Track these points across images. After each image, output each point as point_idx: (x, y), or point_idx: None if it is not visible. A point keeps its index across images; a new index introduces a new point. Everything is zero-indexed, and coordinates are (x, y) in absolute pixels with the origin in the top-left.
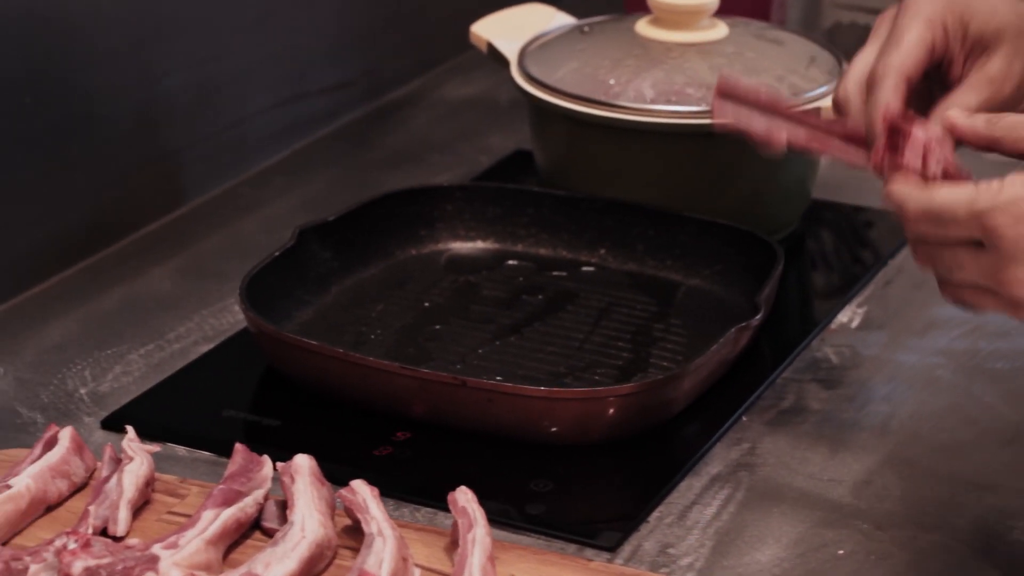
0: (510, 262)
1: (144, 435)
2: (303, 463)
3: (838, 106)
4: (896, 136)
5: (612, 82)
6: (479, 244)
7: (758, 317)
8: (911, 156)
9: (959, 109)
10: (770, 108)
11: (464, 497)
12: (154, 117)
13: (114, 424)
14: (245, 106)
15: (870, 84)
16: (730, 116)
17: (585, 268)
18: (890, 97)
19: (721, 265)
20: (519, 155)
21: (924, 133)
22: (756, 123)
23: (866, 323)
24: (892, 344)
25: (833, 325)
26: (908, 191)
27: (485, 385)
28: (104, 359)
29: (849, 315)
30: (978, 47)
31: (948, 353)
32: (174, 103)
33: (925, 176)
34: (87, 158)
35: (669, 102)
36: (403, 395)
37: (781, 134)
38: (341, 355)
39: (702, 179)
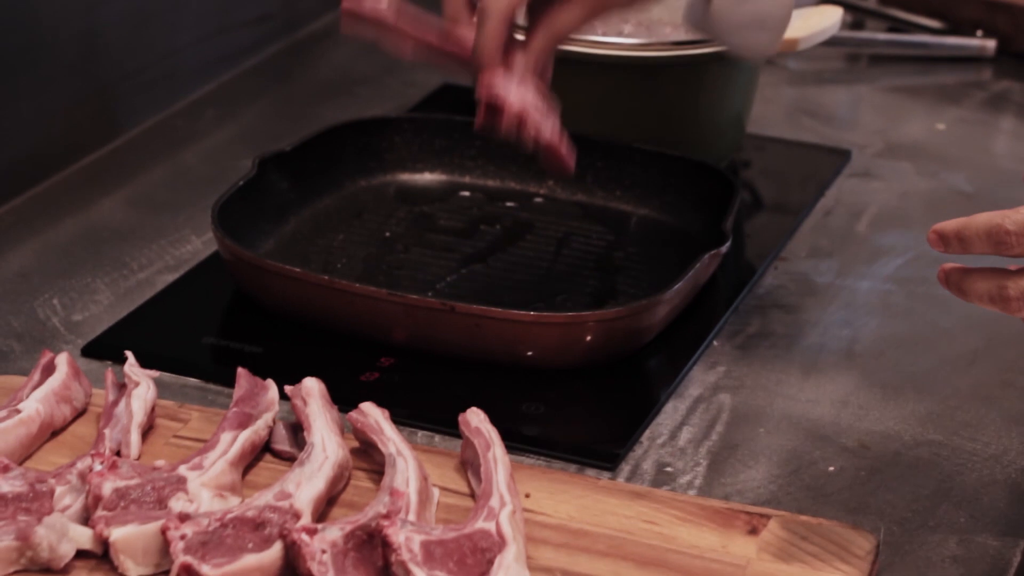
0: (462, 193)
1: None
2: (313, 386)
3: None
4: (493, 107)
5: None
6: (427, 175)
7: (727, 244)
8: (508, 126)
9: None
10: (392, 26)
11: (476, 418)
12: (91, 48)
13: (95, 351)
14: (175, 39)
15: (477, 14)
16: (358, 31)
17: (536, 199)
18: (493, 33)
19: (671, 195)
20: (447, 88)
21: (519, 101)
22: (383, 35)
23: (814, 251)
24: (843, 271)
25: (783, 254)
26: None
27: (473, 310)
28: (70, 288)
29: (796, 244)
30: None
31: (898, 280)
32: (112, 33)
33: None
34: (30, 88)
35: (608, 34)
36: (386, 321)
37: (406, 49)
38: (326, 282)
39: (640, 112)
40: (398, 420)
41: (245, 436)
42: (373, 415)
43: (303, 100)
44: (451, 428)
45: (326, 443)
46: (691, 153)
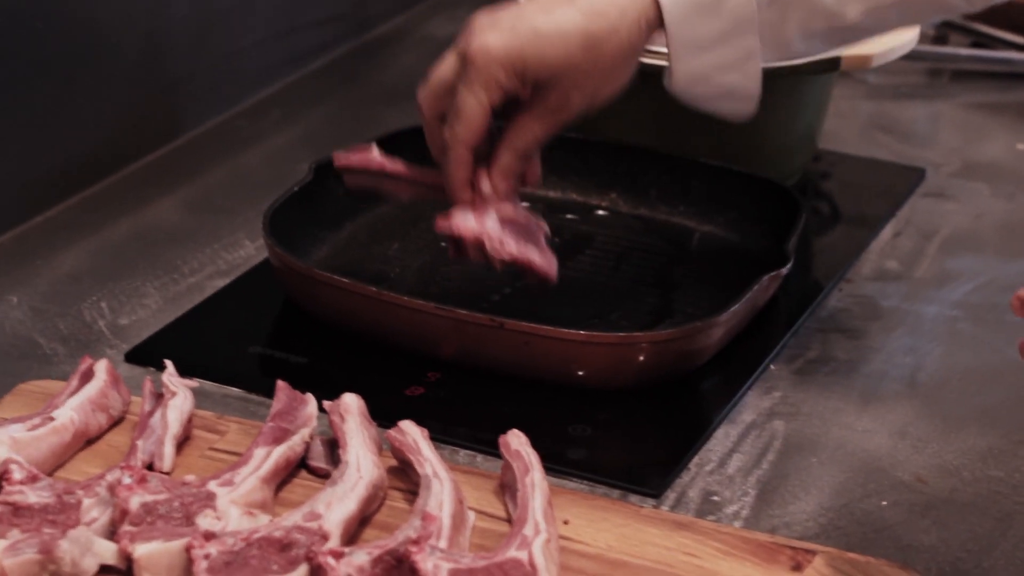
0: (522, 204)
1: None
2: (352, 402)
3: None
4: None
5: None
6: None
7: (788, 265)
8: (473, 255)
9: None
10: (383, 173)
11: (517, 440)
12: (155, 48)
13: (139, 358)
14: (240, 39)
15: (443, 149)
16: (359, 183)
17: (597, 212)
18: (457, 170)
19: (735, 212)
20: None
21: (472, 231)
22: (381, 185)
23: (881, 273)
24: (910, 295)
25: (849, 275)
26: None
27: (523, 327)
28: (119, 291)
29: (864, 265)
30: (539, 87)
31: (966, 306)
32: (176, 33)
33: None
34: (90, 89)
35: None
36: (435, 335)
37: (404, 194)
38: (374, 294)
39: (706, 125)
40: (440, 438)
41: (279, 452)
42: (411, 434)
43: (370, 103)
44: (494, 448)
45: (361, 462)
46: (759, 169)
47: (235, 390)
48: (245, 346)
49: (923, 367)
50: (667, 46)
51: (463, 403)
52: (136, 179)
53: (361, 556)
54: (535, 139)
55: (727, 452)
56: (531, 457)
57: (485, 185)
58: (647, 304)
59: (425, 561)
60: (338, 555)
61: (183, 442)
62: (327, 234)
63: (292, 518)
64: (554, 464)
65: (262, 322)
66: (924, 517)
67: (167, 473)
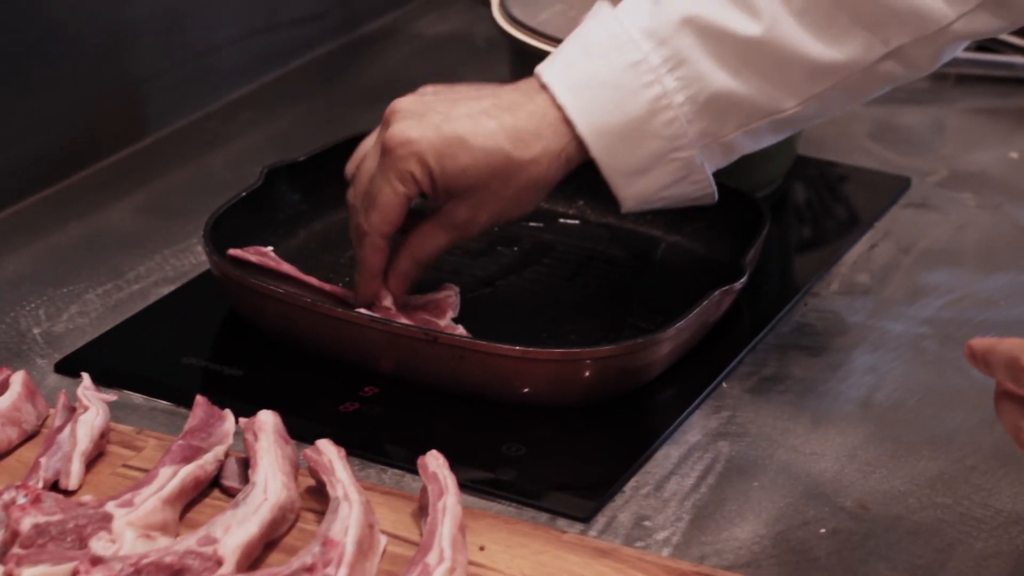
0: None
1: (99, 381)
2: (267, 420)
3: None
4: None
5: None
6: None
7: (742, 280)
8: None
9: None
10: (274, 273)
11: (435, 462)
12: (119, 44)
13: (68, 368)
14: (213, 35)
15: (359, 234)
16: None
17: (563, 220)
18: (371, 257)
19: (703, 222)
20: None
21: None
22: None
23: (850, 287)
24: (877, 311)
25: (816, 289)
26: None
27: (457, 342)
28: (59, 298)
29: (833, 279)
30: (451, 194)
31: (935, 322)
32: (140, 30)
33: None
34: (48, 85)
35: None
36: (371, 348)
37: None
38: (308, 305)
39: None
40: (369, 457)
41: (187, 472)
42: (327, 454)
43: (348, 104)
44: None
45: (269, 483)
46: (733, 177)
47: (163, 403)
48: (179, 357)
49: (881, 387)
50: (604, 176)
51: (397, 420)
52: (93, 182)
53: None
54: (437, 249)
55: (666, 475)
56: (447, 480)
57: (386, 300)
58: (601, 318)
59: None
60: None
61: (96, 459)
62: (278, 240)
63: (186, 542)
64: (482, 486)
65: (202, 332)
66: (861, 547)
67: (72, 492)
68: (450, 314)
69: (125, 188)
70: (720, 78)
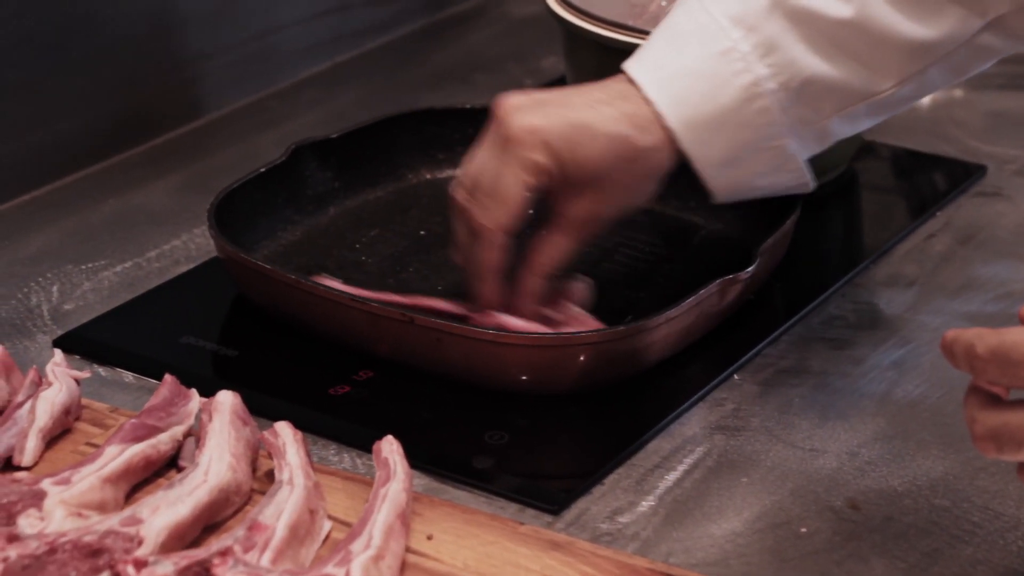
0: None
1: (93, 358)
2: (225, 400)
3: (452, 204)
4: None
5: (647, 8)
6: None
7: (749, 270)
8: None
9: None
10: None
11: (389, 447)
12: (177, 19)
13: (66, 344)
14: (279, 13)
15: (475, 230)
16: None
17: None
18: (491, 255)
19: (745, 210)
20: (564, 81)
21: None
22: None
23: (895, 279)
24: (918, 304)
25: (860, 279)
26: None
27: (433, 324)
28: (76, 274)
29: (881, 269)
30: (573, 187)
31: (977, 318)
32: (199, 5)
33: None
34: (100, 59)
35: None
36: (361, 330)
37: None
38: (292, 281)
39: None
40: (352, 441)
41: (136, 450)
42: (283, 436)
43: (416, 85)
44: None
45: (212, 464)
46: None
47: (153, 382)
48: (179, 337)
49: (902, 383)
50: (694, 167)
51: (384, 405)
52: (139, 160)
53: (166, 567)
54: (560, 256)
55: (651, 468)
56: (397, 467)
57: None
58: (612, 306)
59: (224, 574)
60: (140, 564)
61: (61, 435)
62: (303, 218)
63: (109, 522)
64: (457, 474)
65: (209, 312)
66: (841, 548)
67: (27, 468)
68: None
69: (169, 167)
70: (813, 63)
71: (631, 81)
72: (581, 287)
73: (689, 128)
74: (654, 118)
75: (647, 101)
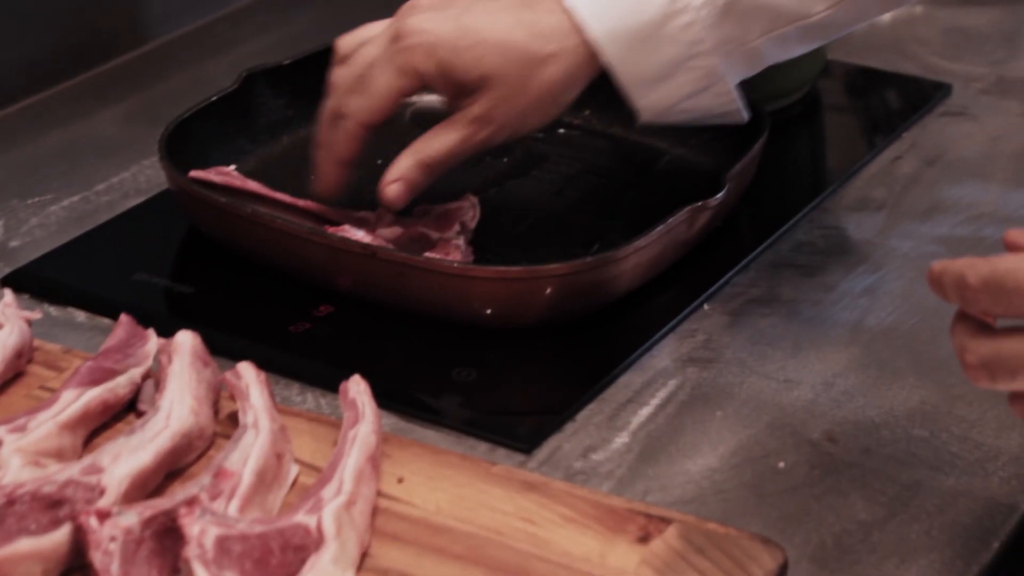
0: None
1: (43, 297)
2: (184, 341)
3: (336, 53)
4: None
5: None
6: None
7: (718, 196)
8: None
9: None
10: (243, 193)
11: (356, 388)
12: None
13: (14, 282)
14: None
15: (334, 115)
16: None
17: (560, 131)
18: (343, 143)
19: (710, 134)
20: None
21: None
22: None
23: (863, 202)
24: (887, 228)
25: (827, 204)
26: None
27: (396, 257)
28: (22, 209)
29: (848, 193)
30: (464, 90)
31: (948, 241)
32: None
33: None
34: None
35: None
36: (321, 264)
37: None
38: (248, 215)
39: None
40: (312, 380)
41: (93, 395)
42: (246, 378)
43: (372, 7)
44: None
45: (173, 409)
46: (762, 84)
47: (106, 321)
48: (131, 273)
49: (874, 310)
50: (619, 84)
51: (347, 342)
52: (84, 89)
53: (130, 517)
54: (446, 150)
55: (623, 403)
56: (366, 407)
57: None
58: (576, 235)
59: (191, 525)
60: (103, 515)
61: (13, 379)
62: (255, 147)
63: (69, 471)
64: (425, 413)
65: (162, 247)
66: (820, 482)
67: None
68: (456, 228)
69: (116, 96)
70: None
71: None
72: (464, 206)
73: (612, 40)
74: (566, 28)
75: (566, 11)
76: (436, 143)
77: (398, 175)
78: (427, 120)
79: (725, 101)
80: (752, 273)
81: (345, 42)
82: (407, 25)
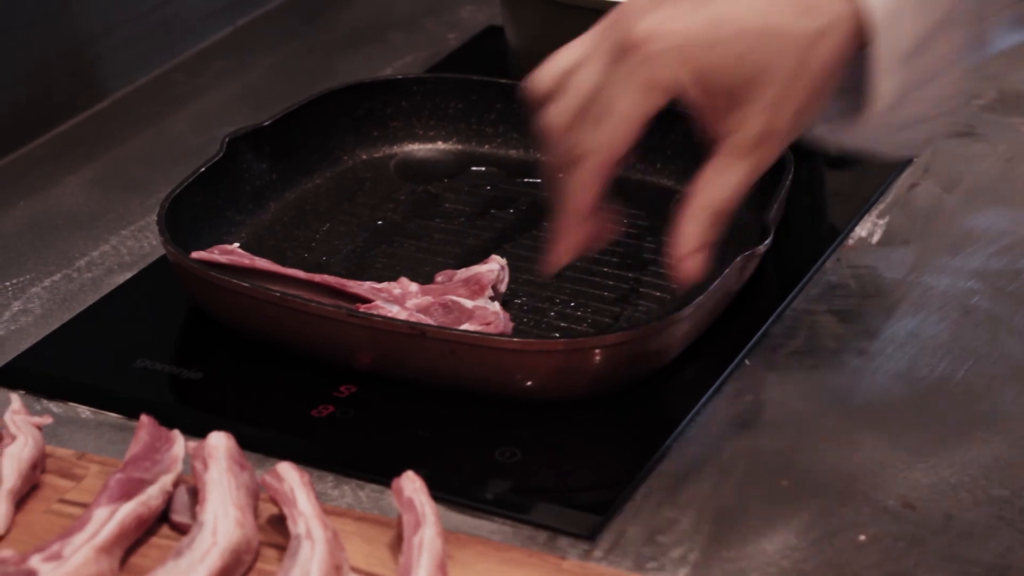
0: (474, 168)
1: (40, 392)
2: (218, 444)
3: (529, 98)
4: None
5: None
6: (440, 146)
7: (767, 242)
8: None
9: None
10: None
11: (411, 486)
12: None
13: (7, 379)
14: None
15: (567, 161)
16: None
17: None
18: (590, 185)
19: None
20: (492, 32)
21: None
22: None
23: (888, 237)
24: (919, 263)
25: (851, 240)
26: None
27: (448, 335)
28: (1, 293)
29: (869, 227)
30: (727, 100)
31: (985, 275)
32: None
33: None
34: None
35: None
36: (348, 344)
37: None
38: (277, 300)
39: None
40: (345, 470)
41: (127, 511)
42: (289, 481)
43: (327, 49)
44: None
45: (219, 523)
46: None
47: (113, 416)
48: (132, 360)
49: (923, 357)
50: (874, 60)
51: (376, 424)
52: (41, 154)
53: None
54: (735, 190)
55: (681, 476)
56: (425, 508)
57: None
58: (609, 289)
59: None
60: None
61: (29, 492)
62: (245, 218)
63: None
64: (472, 501)
65: (160, 328)
66: (908, 555)
67: (0, 538)
68: (488, 294)
69: (77, 160)
70: None
71: None
72: (495, 270)
73: (883, 2)
74: None
75: None
76: (721, 187)
77: (695, 244)
78: (412, 170)
79: (954, 93)
80: (788, 322)
81: (544, 77)
82: (638, 31)
